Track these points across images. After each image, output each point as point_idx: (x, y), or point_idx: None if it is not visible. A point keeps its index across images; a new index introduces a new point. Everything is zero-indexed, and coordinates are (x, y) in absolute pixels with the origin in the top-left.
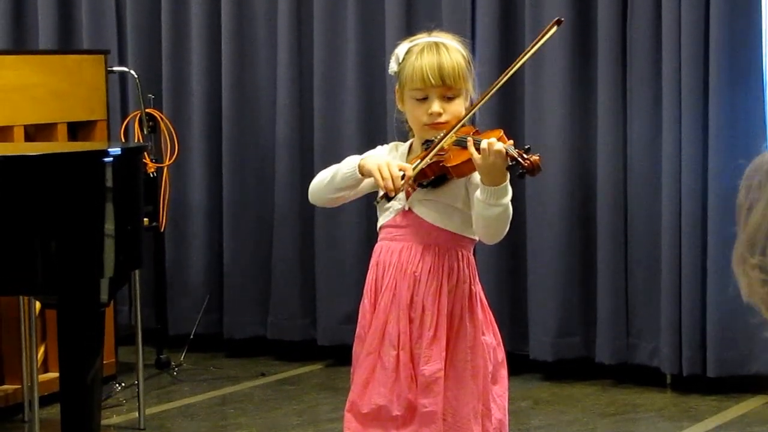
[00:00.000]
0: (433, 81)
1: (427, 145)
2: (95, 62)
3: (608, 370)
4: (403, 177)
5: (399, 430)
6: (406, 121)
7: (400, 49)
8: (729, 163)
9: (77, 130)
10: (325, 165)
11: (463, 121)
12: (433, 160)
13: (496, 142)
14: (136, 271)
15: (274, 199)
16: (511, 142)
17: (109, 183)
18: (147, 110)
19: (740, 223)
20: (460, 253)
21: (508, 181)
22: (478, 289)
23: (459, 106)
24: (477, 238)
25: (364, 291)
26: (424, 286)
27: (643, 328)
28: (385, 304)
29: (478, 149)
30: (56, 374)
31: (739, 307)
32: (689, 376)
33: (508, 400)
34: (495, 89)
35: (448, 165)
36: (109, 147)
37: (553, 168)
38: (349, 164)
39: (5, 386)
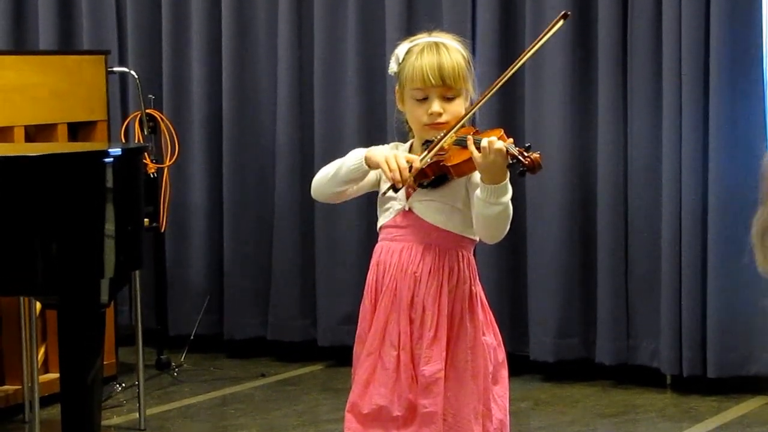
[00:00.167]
0: (433, 81)
1: (427, 145)
2: (95, 63)
3: (608, 370)
4: (410, 169)
5: (400, 430)
6: (406, 122)
7: (400, 50)
8: (729, 162)
9: (77, 130)
10: (326, 165)
11: (464, 120)
12: (434, 159)
13: (496, 141)
14: (137, 272)
15: (275, 200)
16: (511, 140)
17: (110, 183)
18: (147, 111)
19: (763, 196)
20: (460, 254)
21: (508, 179)
22: (478, 289)
23: (459, 106)
24: (477, 239)
25: (365, 291)
26: (424, 286)
27: (644, 329)
28: (385, 305)
29: (478, 148)
30: (57, 375)
31: (739, 307)
32: (689, 376)
33: (509, 400)
34: (501, 83)
35: (449, 164)
36: (110, 147)
37: (553, 168)
38: (355, 157)
39: (6, 387)
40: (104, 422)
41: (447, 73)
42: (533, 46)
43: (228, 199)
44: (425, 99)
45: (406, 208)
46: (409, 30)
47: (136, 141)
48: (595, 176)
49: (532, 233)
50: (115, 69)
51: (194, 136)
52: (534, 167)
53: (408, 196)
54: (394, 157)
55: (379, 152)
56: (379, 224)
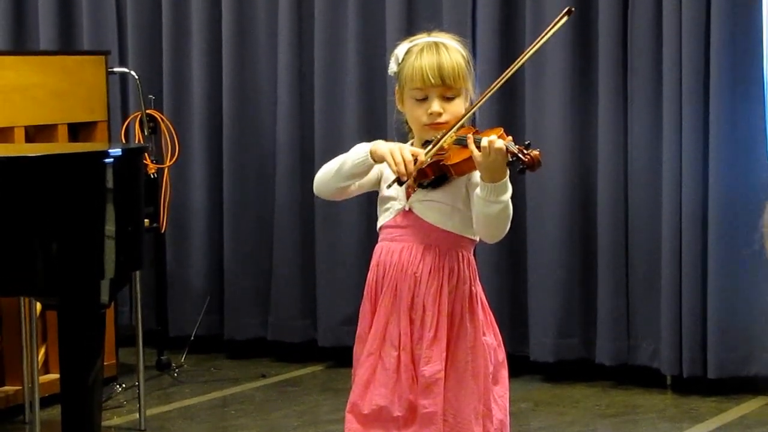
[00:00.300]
0: (432, 81)
1: (427, 145)
2: (96, 63)
3: (608, 371)
4: (415, 162)
5: (400, 430)
6: (406, 122)
7: (400, 50)
8: (729, 162)
9: (78, 130)
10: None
11: (465, 118)
12: (433, 159)
13: (496, 140)
14: (137, 272)
15: (275, 200)
16: (510, 138)
17: (110, 184)
18: (147, 111)
19: None
20: (460, 254)
21: (507, 177)
22: (478, 289)
23: (459, 106)
24: (477, 239)
25: (365, 292)
26: (424, 286)
27: (644, 329)
28: (385, 305)
29: (478, 147)
30: (57, 375)
31: (739, 308)
32: (689, 377)
33: (509, 401)
34: (506, 78)
35: (449, 163)
36: (110, 148)
37: (553, 168)
38: (360, 151)
39: (6, 387)
40: (104, 423)
41: (447, 72)
42: (538, 42)
43: (228, 200)
44: (425, 99)
45: (406, 208)
46: (410, 30)
47: (137, 141)
48: (595, 176)
49: (532, 233)
50: (116, 69)
51: (194, 137)
52: (534, 164)
53: (408, 196)
54: (399, 149)
55: (384, 145)
56: (378, 224)
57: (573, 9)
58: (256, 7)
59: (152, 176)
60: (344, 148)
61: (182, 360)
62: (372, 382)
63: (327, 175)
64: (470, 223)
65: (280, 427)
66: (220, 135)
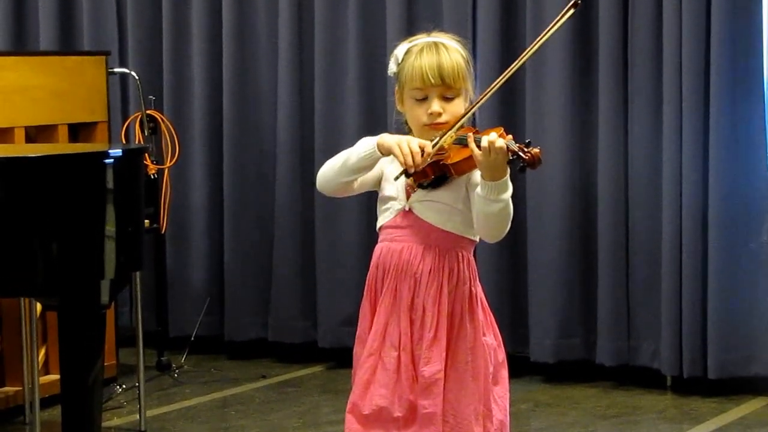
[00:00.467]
0: (432, 81)
1: None
2: (96, 63)
3: (609, 372)
4: (422, 154)
5: (400, 431)
6: (406, 122)
7: (399, 50)
8: (730, 163)
9: (78, 131)
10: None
11: (466, 117)
12: (433, 159)
13: (497, 139)
14: (137, 273)
15: (275, 201)
16: (510, 136)
17: (110, 185)
18: (148, 112)
19: None
20: (460, 254)
21: (508, 176)
22: (478, 290)
23: (459, 106)
24: (477, 239)
25: (365, 292)
26: (424, 287)
27: (644, 330)
28: (385, 306)
29: (478, 146)
30: (57, 376)
31: (739, 308)
32: (690, 378)
33: (509, 401)
34: (510, 74)
35: (449, 162)
36: (110, 148)
37: (553, 169)
38: (366, 144)
39: (6, 388)
40: (105, 423)
41: (446, 72)
42: (544, 35)
43: (228, 200)
44: (425, 99)
45: (406, 209)
46: (410, 30)
47: (137, 142)
48: (595, 176)
49: (532, 233)
50: (116, 70)
51: (194, 137)
52: (534, 162)
53: (408, 196)
54: (406, 141)
55: (391, 138)
56: (378, 224)
57: (579, 1)
58: (256, 8)
59: (152, 177)
60: (344, 148)
61: (182, 361)
62: (372, 382)
63: (331, 170)
64: (470, 223)
65: (281, 427)
66: (220, 135)
